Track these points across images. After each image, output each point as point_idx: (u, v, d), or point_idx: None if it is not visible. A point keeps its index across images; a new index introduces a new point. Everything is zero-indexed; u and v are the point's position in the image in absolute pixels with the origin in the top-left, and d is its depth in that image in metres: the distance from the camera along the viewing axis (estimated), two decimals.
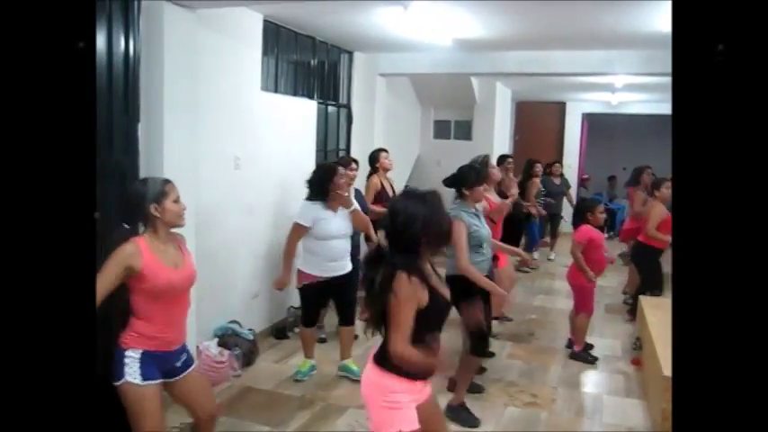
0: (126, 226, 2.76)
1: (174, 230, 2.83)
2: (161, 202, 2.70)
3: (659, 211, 5.80)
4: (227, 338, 4.71)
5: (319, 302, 4.75)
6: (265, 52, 5.29)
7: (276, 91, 5.61)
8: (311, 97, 6.19)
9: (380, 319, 2.39)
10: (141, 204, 2.69)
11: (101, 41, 3.40)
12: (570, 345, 5.45)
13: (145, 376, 2.66)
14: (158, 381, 2.72)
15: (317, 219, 4.39)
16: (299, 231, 4.47)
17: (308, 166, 6.04)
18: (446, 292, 2.47)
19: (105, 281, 2.52)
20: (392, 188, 6.27)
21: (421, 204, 2.34)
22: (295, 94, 5.95)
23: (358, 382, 4.63)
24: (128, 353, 2.66)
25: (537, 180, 8.63)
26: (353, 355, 4.79)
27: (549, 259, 9.61)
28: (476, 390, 4.42)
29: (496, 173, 4.99)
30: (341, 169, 4.54)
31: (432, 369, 2.36)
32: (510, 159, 7.74)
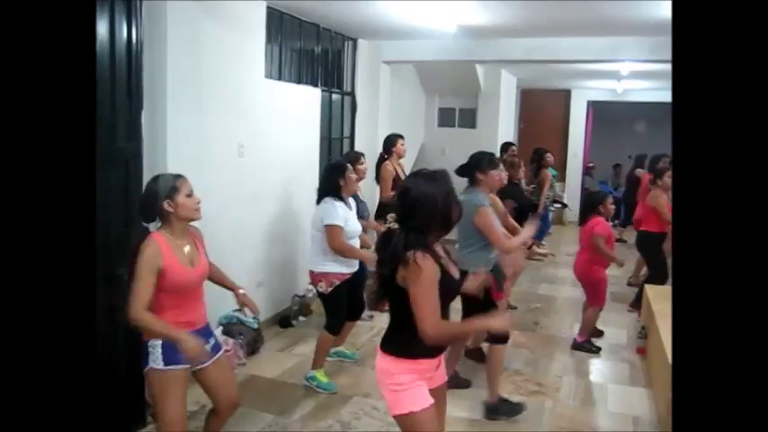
0: (145, 225, 2.80)
1: (190, 225, 2.88)
2: (173, 197, 2.72)
3: (665, 201, 5.73)
4: (231, 327, 4.71)
5: (346, 302, 4.43)
6: (269, 40, 5.25)
7: (280, 78, 5.58)
8: (315, 85, 6.16)
9: (391, 301, 2.40)
10: (155, 201, 2.73)
11: (103, 28, 3.37)
12: (594, 334, 5.47)
13: (167, 361, 2.70)
14: (182, 366, 2.75)
15: (346, 218, 4.23)
16: (340, 232, 4.17)
17: (313, 153, 6.04)
18: (455, 271, 2.48)
19: (145, 288, 2.61)
20: (404, 174, 6.23)
21: (431, 183, 2.35)
22: (299, 81, 5.92)
23: (355, 365, 4.68)
24: (149, 342, 2.72)
25: (548, 172, 8.57)
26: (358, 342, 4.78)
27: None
28: (464, 385, 4.37)
29: (503, 175, 4.90)
30: (350, 166, 4.40)
31: (466, 335, 2.36)
32: (514, 147, 7.70)
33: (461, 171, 3.97)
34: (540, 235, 8.93)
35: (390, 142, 6.07)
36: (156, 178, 2.84)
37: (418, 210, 2.31)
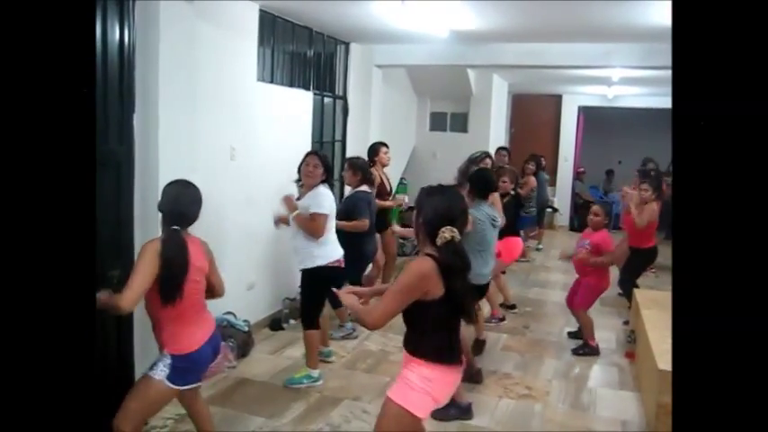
0: (176, 228, 2.84)
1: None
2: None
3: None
4: (222, 330, 4.67)
5: None
6: (261, 43, 5.25)
7: (272, 82, 5.58)
8: (307, 88, 6.17)
9: None
10: (198, 210, 2.95)
11: (96, 30, 3.37)
12: (576, 337, 5.53)
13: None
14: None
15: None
16: None
17: None
18: None
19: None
20: (389, 182, 6.32)
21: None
22: (291, 85, 5.92)
23: (345, 368, 4.69)
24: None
25: (532, 178, 8.68)
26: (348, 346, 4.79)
27: (538, 249, 9.83)
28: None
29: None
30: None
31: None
32: (504, 152, 7.83)
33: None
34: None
35: (374, 151, 6.21)
36: (188, 185, 2.97)
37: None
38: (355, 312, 2.66)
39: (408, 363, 2.64)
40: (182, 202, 2.88)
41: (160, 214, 2.88)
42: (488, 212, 4.26)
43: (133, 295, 2.63)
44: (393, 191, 6.77)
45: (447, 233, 2.48)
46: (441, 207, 2.57)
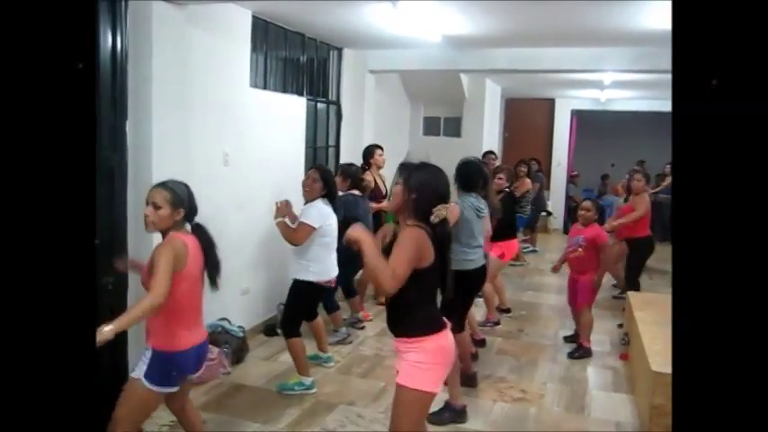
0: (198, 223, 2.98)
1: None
2: None
3: None
4: (216, 336, 4.70)
5: None
6: (254, 49, 5.26)
7: (265, 88, 5.59)
8: (300, 94, 6.18)
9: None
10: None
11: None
12: (572, 340, 5.54)
13: None
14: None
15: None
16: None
17: (298, 162, 6.05)
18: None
19: None
20: (384, 184, 6.34)
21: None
22: (284, 90, 5.93)
23: (340, 373, 4.68)
24: None
25: (527, 180, 8.73)
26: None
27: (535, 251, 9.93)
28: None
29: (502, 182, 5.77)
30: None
31: None
32: (493, 155, 7.88)
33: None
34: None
35: (369, 153, 6.26)
36: (182, 183, 2.94)
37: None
38: (375, 266, 2.52)
39: (407, 346, 2.67)
40: (192, 198, 2.96)
41: (167, 209, 2.80)
42: (474, 204, 4.26)
43: (163, 290, 2.60)
44: (388, 193, 6.77)
45: (443, 211, 2.63)
46: (434, 186, 2.69)
